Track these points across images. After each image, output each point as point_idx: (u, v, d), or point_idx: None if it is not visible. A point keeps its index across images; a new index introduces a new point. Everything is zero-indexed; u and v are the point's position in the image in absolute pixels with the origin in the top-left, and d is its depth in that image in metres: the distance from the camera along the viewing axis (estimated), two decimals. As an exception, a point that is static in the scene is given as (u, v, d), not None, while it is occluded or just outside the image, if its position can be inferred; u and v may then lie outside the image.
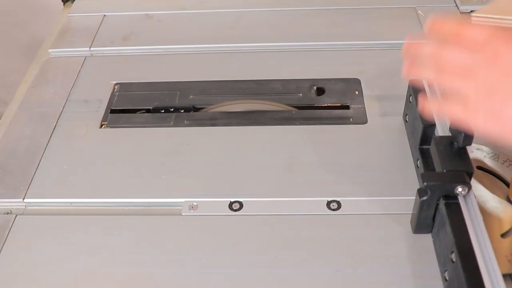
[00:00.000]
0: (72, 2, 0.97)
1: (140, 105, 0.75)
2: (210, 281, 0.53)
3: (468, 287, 0.44)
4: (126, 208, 0.61)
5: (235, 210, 0.59)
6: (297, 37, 0.84)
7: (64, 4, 0.98)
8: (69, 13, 0.93)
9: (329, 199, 0.59)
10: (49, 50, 0.85)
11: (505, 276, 0.51)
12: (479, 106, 0.41)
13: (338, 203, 0.59)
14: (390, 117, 0.69)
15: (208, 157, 0.65)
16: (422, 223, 0.53)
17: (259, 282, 0.52)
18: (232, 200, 0.60)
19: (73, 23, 0.91)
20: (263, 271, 0.53)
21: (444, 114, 0.45)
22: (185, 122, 0.72)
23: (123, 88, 0.78)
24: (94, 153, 0.67)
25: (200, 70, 0.80)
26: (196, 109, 0.75)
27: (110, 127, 0.72)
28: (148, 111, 0.75)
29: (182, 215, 0.59)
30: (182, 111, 0.74)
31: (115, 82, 0.78)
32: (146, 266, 0.54)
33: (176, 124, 0.72)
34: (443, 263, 0.50)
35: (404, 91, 0.71)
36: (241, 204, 0.59)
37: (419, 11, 0.87)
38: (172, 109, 0.74)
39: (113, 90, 0.77)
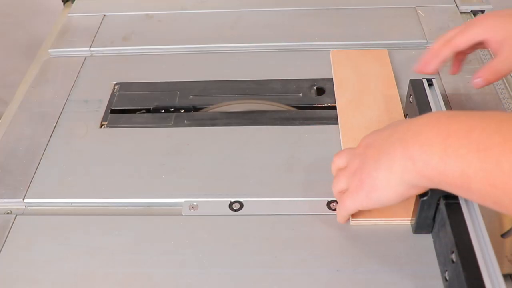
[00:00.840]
0: (72, 2, 0.97)
1: (140, 105, 0.75)
2: (210, 281, 0.53)
3: (469, 287, 0.44)
4: (126, 208, 0.61)
5: (235, 210, 0.59)
6: (297, 37, 0.84)
7: (64, 4, 0.98)
8: (69, 13, 0.93)
9: (329, 199, 0.59)
10: (49, 50, 0.85)
11: (505, 276, 0.51)
12: (351, 189, 0.52)
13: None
14: (390, 117, 0.69)
15: (208, 157, 0.65)
16: (423, 223, 0.53)
17: (259, 282, 0.52)
18: (232, 200, 0.60)
19: (73, 23, 0.91)
20: (263, 271, 0.53)
21: (339, 206, 0.55)
22: (185, 122, 0.72)
23: (123, 88, 0.78)
24: (94, 153, 0.67)
25: (200, 70, 0.80)
26: (196, 109, 0.75)
27: (110, 127, 0.72)
28: (148, 111, 0.75)
29: (182, 215, 0.59)
30: (182, 111, 0.74)
31: (115, 82, 0.78)
32: (146, 266, 0.54)
33: (176, 124, 0.72)
34: (443, 263, 0.50)
35: (403, 91, 0.71)
36: (241, 204, 0.59)
37: (419, 11, 0.87)
38: (172, 109, 0.74)
39: (113, 90, 0.77)
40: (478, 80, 0.60)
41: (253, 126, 0.70)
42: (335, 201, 0.59)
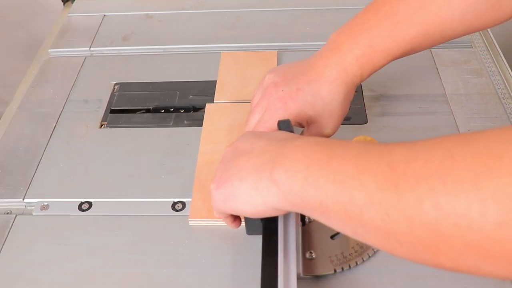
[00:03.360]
0: (72, 2, 0.97)
1: (140, 105, 0.75)
2: (210, 281, 0.53)
3: (263, 286, 0.45)
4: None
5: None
6: (297, 37, 0.84)
7: (64, 4, 0.98)
8: (69, 13, 0.93)
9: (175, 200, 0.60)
10: (49, 50, 0.85)
11: (326, 276, 0.52)
12: (214, 181, 0.49)
13: None
14: (390, 117, 0.69)
15: (208, 157, 0.65)
16: (252, 225, 0.53)
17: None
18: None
19: (73, 23, 0.91)
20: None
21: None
22: (185, 122, 0.72)
23: (123, 88, 0.78)
24: (94, 153, 0.67)
25: (200, 70, 0.80)
26: (196, 109, 0.75)
27: (110, 127, 0.72)
28: (148, 111, 0.75)
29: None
30: (182, 111, 0.74)
31: (115, 82, 0.78)
32: (146, 266, 0.54)
33: (176, 124, 0.72)
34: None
35: (404, 91, 0.71)
36: None
37: (419, 11, 0.87)
38: (172, 109, 0.74)
39: (113, 90, 0.77)
40: None
41: (253, 126, 0.70)
42: (180, 202, 0.60)
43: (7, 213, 0.61)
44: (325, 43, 0.83)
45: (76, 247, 0.56)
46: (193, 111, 0.74)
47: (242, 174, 0.46)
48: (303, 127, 0.57)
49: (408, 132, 0.67)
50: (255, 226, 0.53)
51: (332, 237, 0.54)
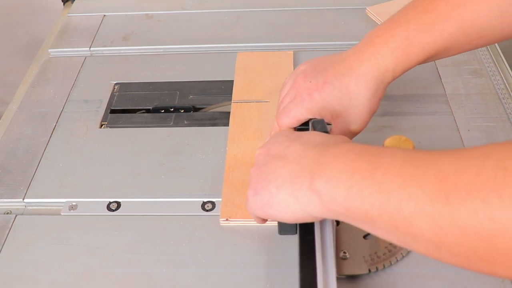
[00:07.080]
0: (72, 2, 0.97)
1: (140, 105, 0.75)
2: (209, 281, 0.53)
3: (302, 287, 0.45)
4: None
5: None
6: (297, 37, 0.84)
7: (64, 4, 0.99)
8: (69, 13, 0.93)
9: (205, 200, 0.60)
10: (49, 50, 0.85)
11: (360, 275, 0.52)
12: (250, 187, 0.49)
13: None
14: (390, 117, 0.70)
15: (208, 157, 0.65)
16: (284, 225, 0.53)
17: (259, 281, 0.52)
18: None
19: (73, 23, 0.91)
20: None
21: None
22: (185, 122, 0.72)
23: (123, 88, 0.78)
24: (94, 153, 0.67)
25: (200, 70, 0.80)
26: (196, 109, 0.75)
27: (110, 127, 0.72)
28: (148, 111, 0.75)
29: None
30: (182, 111, 0.74)
31: (115, 82, 0.78)
32: (146, 266, 0.54)
33: (176, 124, 0.72)
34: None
35: (404, 91, 0.71)
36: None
37: (419, 11, 0.87)
38: (172, 109, 0.74)
39: (113, 90, 0.77)
40: None
41: (253, 126, 0.70)
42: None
43: (7, 213, 0.61)
44: (324, 43, 0.84)
45: (76, 247, 0.56)
46: (193, 111, 0.75)
47: (278, 181, 0.46)
48: (330, 122, 0.56)
49: (408, 132, 0.67)
50: (288, 226, 0.53)
51: (364, 237, 0.54)
